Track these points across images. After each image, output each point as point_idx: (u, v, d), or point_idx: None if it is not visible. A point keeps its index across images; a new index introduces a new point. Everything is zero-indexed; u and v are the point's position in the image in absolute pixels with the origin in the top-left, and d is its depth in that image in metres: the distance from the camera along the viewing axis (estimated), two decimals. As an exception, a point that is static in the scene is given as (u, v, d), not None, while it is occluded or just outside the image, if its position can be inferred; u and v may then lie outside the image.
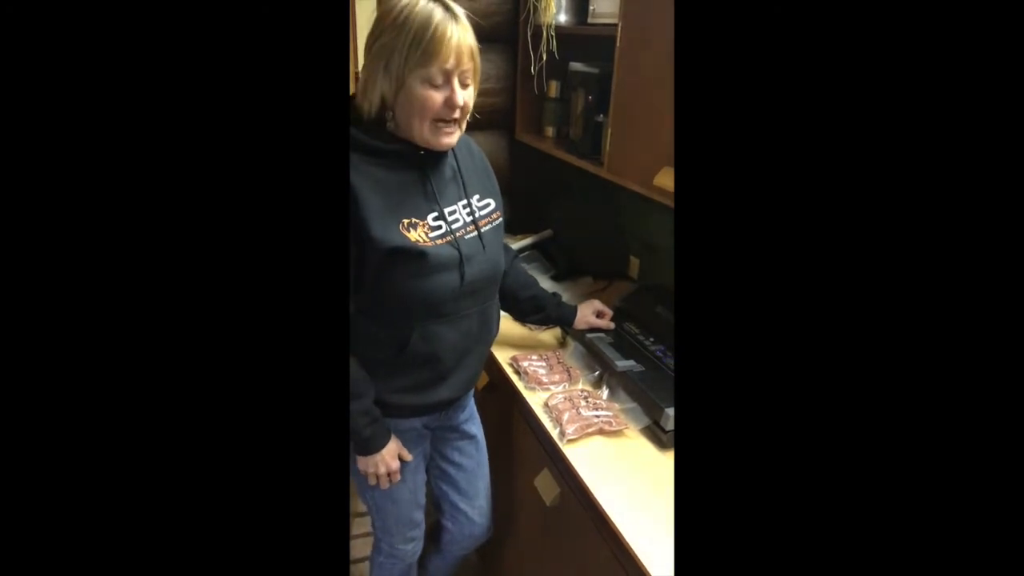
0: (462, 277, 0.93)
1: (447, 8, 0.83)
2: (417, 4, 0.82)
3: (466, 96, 0.88)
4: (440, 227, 0.93)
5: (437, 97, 0.85)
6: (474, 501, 1.22)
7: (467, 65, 0.85)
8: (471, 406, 1.20)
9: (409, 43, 0.82)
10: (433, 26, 0.81)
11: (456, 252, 0.93)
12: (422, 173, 0.93)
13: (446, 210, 0.94)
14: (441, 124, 0.88)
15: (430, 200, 0.93)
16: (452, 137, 0.90)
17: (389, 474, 1.03)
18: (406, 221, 0.90)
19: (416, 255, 0.89)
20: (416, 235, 0.90)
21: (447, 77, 0.85)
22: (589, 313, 1.25)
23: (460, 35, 0.83)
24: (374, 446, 0.99)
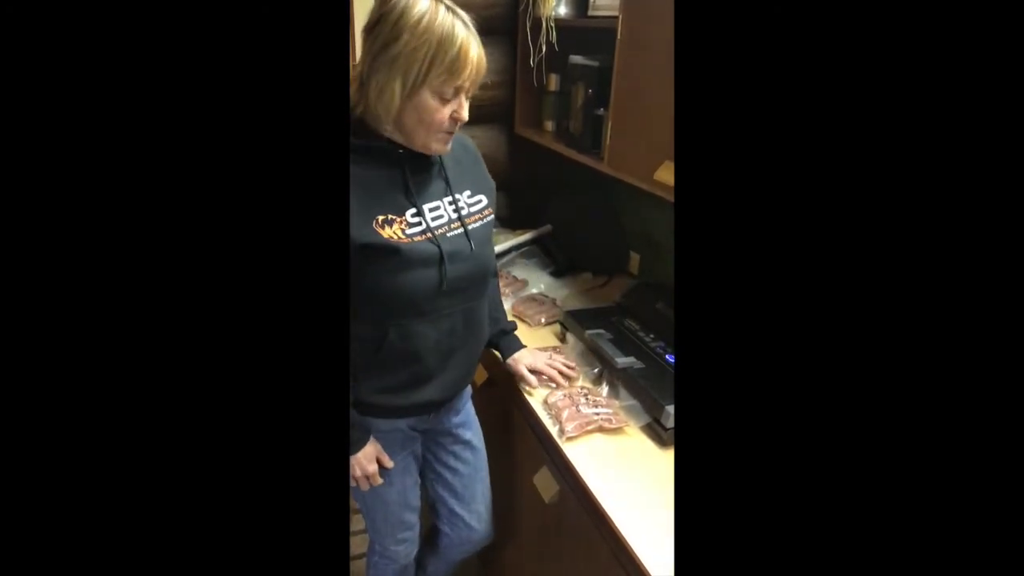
0: (443, 275, 0.92)
1: (466, 24, 0.83)
2: (438, 15, 0.81)
3: (466, 107, 0.89)
4: (419, 223, 0.91)
5: (445, 111, 0.86)
6: (471, 506, 1.20)
7: (478, 80, 0.87)
8: (466, 410, 1.18)
9: (431, 56, 0.81)
10: (458, 44, 0.81)
11: (436, 249, 0.91)
12: (401, 170, 0.92)
13: (426, 206, 0.93)
14: (442, 135, 0.89)
15: (409, 196, 0.92)
16: (448, 143, 0.91)
17: (368, 477, 1.02)
18: (381, 218, 0.88)
19: (389, 252, 0.87)
20: (391, 232, 0.88)
21: (458, 92, 0.86)
22: (524, 363, 1.17)
23: (479, 53, 0.84)
24: (349, 450, 0.98)
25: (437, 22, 0.80)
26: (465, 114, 0.88)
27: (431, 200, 0.94)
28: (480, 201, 1.01)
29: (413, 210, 0.92)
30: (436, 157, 0.96)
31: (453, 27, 0.81)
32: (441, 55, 0.81)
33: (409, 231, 0.90)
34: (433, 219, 0.93)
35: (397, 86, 0.83)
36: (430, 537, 1.28)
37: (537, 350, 1.21)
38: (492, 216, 1.03)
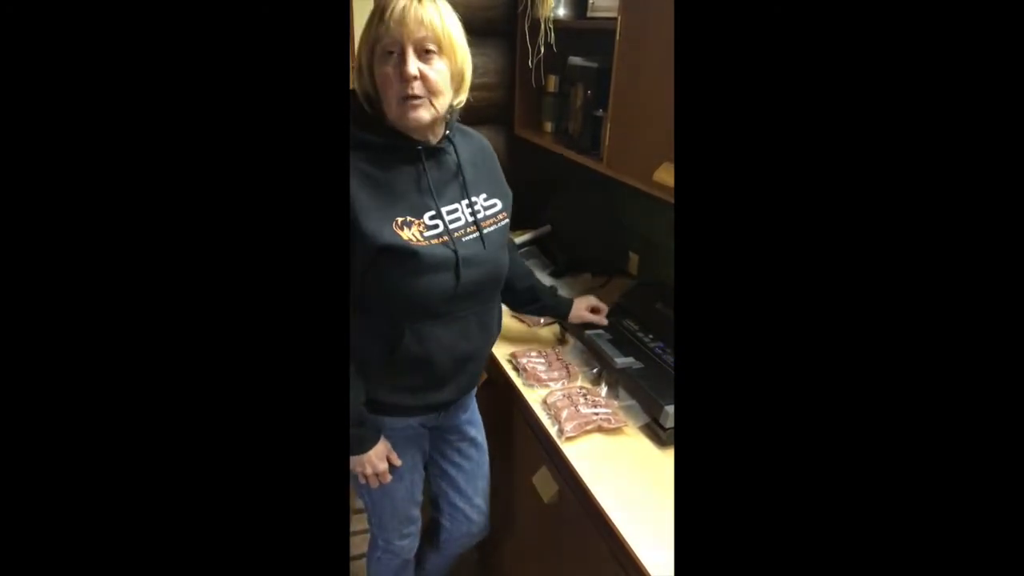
0: (457, 278, 0.92)
1: None
2: None
3: (428, 69, 0.84)
4: (437, 226, 0.91)
5: (391, 71, 0.83)
6: (472, 500, 1.22)
7: (420, 34, 0.82)
8: (472, 407, 1.19)
9: (372, 25, 0.83)
10: (392, 3, 0.82)
11: (452, 252, 0.91)
12: (418, 169, 0.91)
13: (444, 209, 0.93)
14: (407, 100, 0.84)
15: (426, 197, 0.91)
16: (419, 112, 0.85)
17: (378, 475, 1.02)
18: (400, 219, 0.88)
19: (408, 254, 0.87)
20: (409, 234, 0.88)
21: (401, 50, 0.83)
22: (583, 307, 1.25)
23: (411, 5, 0.82)
24: (360, 448, 0.99)
25: None
26: (411, 69, 0.82)
27: (449, 202, 0.94)
28: (495, 205, 1.01)
29: (432, 212, 0.91)
30: (454, 156, 0.95)
31: None
32: (376, 20, 0.83)
33: (427, 233, 0.90)
34: (451, 221, 0.93)
35: (363, 60, 0.86)
36: (429, 532, 1.29)
37: (579, 300, 1.27)
38: (506, 221, 1.02)
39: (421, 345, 0.94)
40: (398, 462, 1.05)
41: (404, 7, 0.81)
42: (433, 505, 1.26)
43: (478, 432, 1.20)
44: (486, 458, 1.23)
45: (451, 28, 0.85)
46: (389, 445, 1.04)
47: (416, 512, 1.19)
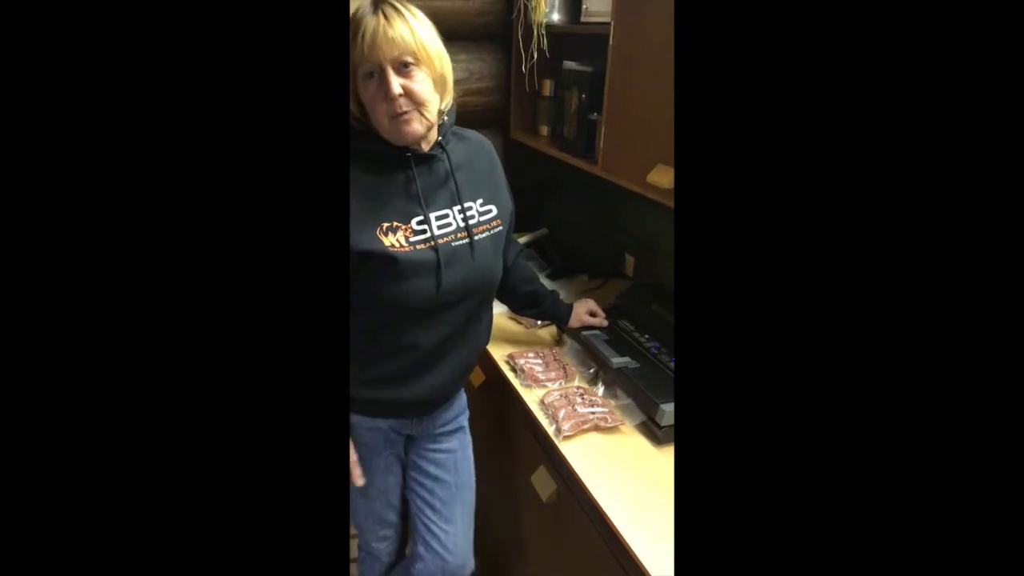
0: (438, 284, 0.91)
1: (375, 2, 0.84)
2: (361, 7, 0.84)
3: (411, 83, 0.84)
4: (424, 231, 0.91)
5: (375, 92, 0.85)
6: (448, 527, 1.13)
7: (395, 53, 0.82)
8: (453, 436, 1.14)
9: (352, 47, 0.84)
10: (356, 23, 0.83)
11: (434, 258, 0.91)
12: (408, 175, 0.92)
13: (433, 215, 0.93)
14: (396, 117, 0.85)
15: (414, 203, 0.91)
16: (412, 126, 0.87)
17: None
18: (386, 225, 0.89)
19: (387, 261, 0.88)
20: (393, 239, 0.89)
21: (380, 70, 0.83)
22: (583, 312, 1.27)
23: (379, 25, 0.82)
24: None
25: (356, 14, 0.84)
26: (393, 88, 0.83)
27: (440, 208, 0.94)
28: (490, 211, 1.00)
29: (419, 217, 0.91)
30: (446, 163, 0.95)
31: (364, 14, 0.83)
32: (354, 40, 0.83)
33: (413, 239, 0.90)
34: (439, 227, 0.93)
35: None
36: (406, 563, 1.21)
37: (578, 304, 1.29)
38: (500, 228, 1.01)
39: (397, 343, 0.95)
40: (360, 482, 1.03)
41: (374, 29, 0.81)
42: (412, 529, 1.17)
43: (459, 449, 1.14)
44: (467, 484, 1.16)
45: (424, 37, 0.85)
46: (355, 457, 1.02)
47: (392, 516, 1.16)
